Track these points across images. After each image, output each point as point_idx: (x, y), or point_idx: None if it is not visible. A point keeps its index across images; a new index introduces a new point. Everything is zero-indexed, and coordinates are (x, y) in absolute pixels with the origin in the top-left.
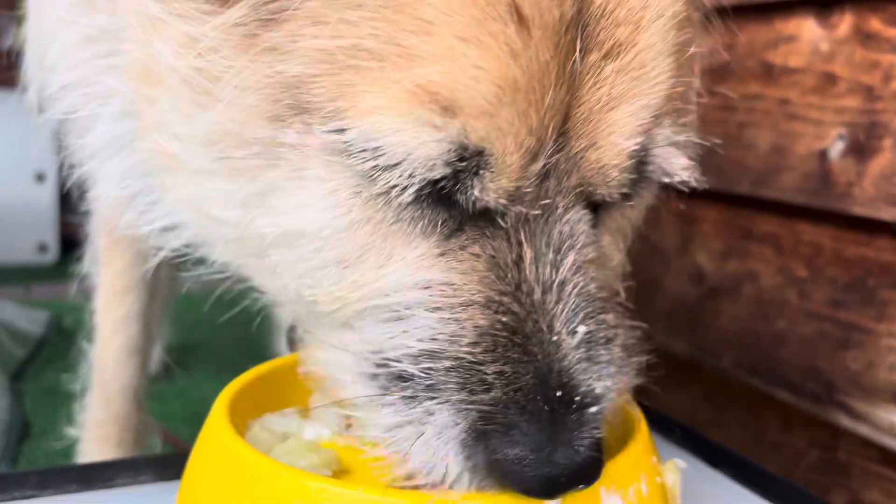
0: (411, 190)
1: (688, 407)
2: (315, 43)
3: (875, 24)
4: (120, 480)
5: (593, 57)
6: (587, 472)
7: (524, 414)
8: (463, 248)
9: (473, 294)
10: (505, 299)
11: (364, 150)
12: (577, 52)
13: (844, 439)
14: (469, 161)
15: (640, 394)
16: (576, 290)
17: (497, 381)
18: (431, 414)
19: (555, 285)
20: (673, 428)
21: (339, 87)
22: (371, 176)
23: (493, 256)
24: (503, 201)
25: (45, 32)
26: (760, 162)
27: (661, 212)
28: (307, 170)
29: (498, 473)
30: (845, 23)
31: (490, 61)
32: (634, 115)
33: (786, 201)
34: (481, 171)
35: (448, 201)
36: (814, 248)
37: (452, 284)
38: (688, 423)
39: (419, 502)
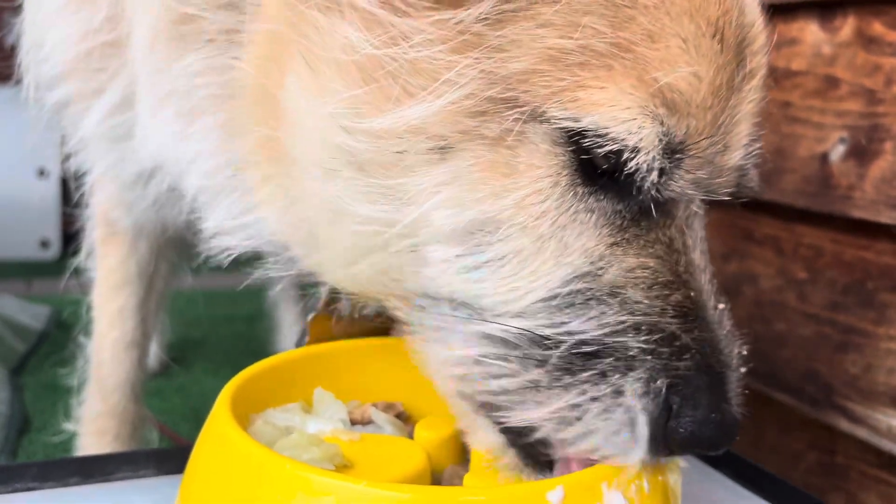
0: (651, 176)
1: None
2: (544, 42)
3: (877, 27)
4: (121, 474)
5: (743, 75)
6: (734, 431)
7: (708, 380)
8: (638, 236)
9: (664, 274)
10: (687, 277)
11: (599, 136)
12: (744, 70)
13: (843, 442)
14: (680, 153)
15: None
16: (710, 276)
17: (692, 347)
18: (622, 389)
19: (707, 269)
20: None
21: (567, 83)
22: (597, 163)
23: (670, 243)
24: (692, 191)
25: (41, 22)
26: (761, 164)
27: None
28: (509, 160)
29: (681, 439)
30: (847, 26)
31: (705, 70)
32: (752, 127)
33: (786, 204)
34: (681, 164)
35: (625, 193)
36: (814, 251)
37: (646, 266)
38: None
39: (423, 496)
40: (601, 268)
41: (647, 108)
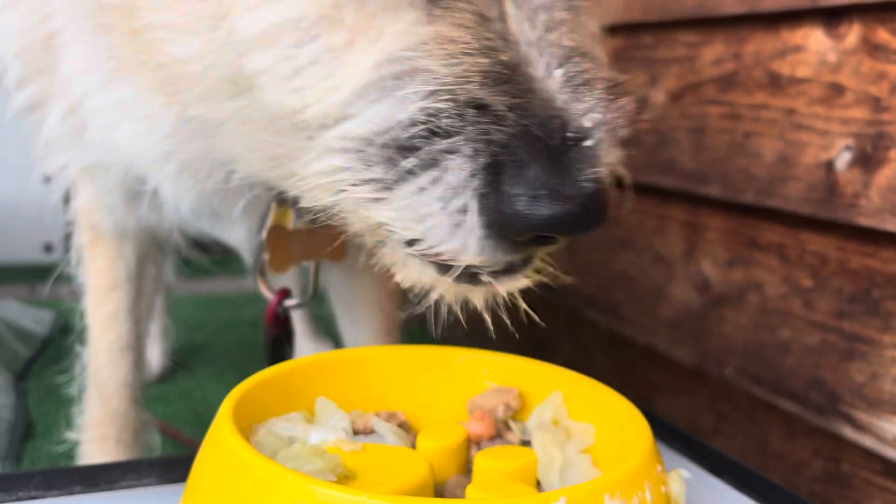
0: None
1: (691, 415)
2: None
3: (883, 35)
4: (124, 482)
5: None
6: (595, 206)
7: (536, 148)
8: (449, 9)
9: (469, 42)
10: (499, 44)
11: None
12: None
13: (848, 450)
14: None
15: (645, 401)
16: (561, 41)
17: (510, 114)
18: (446, 165)
19: (542, 37)
20: (676, 436)
21: None
22: None
23: (480, 12)
24: None
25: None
26: (766, 171)
27: (666, 220)
28: None
29: (515, 220)
30: (853, 33)
31: None
32: None
33: (791, 211)
34: None
35: None
36: (819, 259)
37: (449, 37)
38: (691, 431)
39: None
40: (410, 48)
41: None
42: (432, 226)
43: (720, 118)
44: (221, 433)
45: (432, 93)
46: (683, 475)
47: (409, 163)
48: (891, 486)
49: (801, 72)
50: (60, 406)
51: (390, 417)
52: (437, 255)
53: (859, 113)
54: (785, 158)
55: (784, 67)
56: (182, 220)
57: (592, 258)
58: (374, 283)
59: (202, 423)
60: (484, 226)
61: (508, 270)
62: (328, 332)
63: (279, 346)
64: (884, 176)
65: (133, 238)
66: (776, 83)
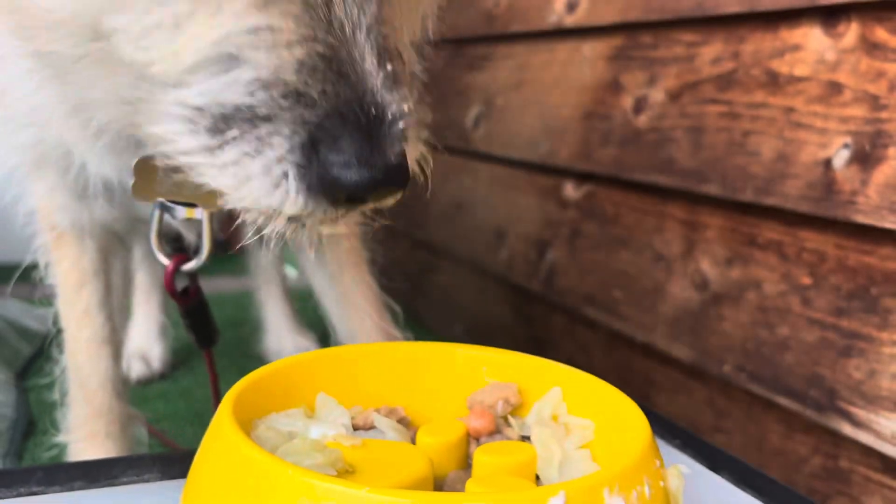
0: None
1: (690, 412)
2: None
3: (881, 33)
4: (125, 478)
5: None
6: (397, 173)
7: (346, 126)
8: None
9: (290, 34)
10: (319, 33)
11: None
12: None
13: (846, 447)
14: None
15: (644, 398)
16: (379, 36)
17: (322, 99)
18: (267, 141)
19: (363, 25)
20: (675, 433)
21: None
22: None
23: (307, 2)
24: None
25: None
26: (765, 170)
27: (665, 218)
28: None
29: (328, 182)
30: (851, 32)
31: None
32: None
33: (790, 209)
34: None
35: None
36: (817, 256)
37: (272, 27)
38: (689, 428)
39: (424, 501)
40: (242, 32)
41: None
42: (256, 187)
43: (719, 117)
44: (222, 428)
45: (254, 81)
46: (682, 471)
47: (233, 134)
48: (889, 482)
49: (800, 70)
50: (61, 404)
51: (390, 413)
52: (262, 209)
53: (858, 111)
54: (783, 157)
55: (783, 66)
56: (119, 201)
57: (591, 256)
58: (358, 271)
59: (203, 422)
60: (302, 189)
61: (329, 220)
62: (312, 326)
63: (194, 317)
64: (882, 174)
65: (91, 234)
66: (775, 82)
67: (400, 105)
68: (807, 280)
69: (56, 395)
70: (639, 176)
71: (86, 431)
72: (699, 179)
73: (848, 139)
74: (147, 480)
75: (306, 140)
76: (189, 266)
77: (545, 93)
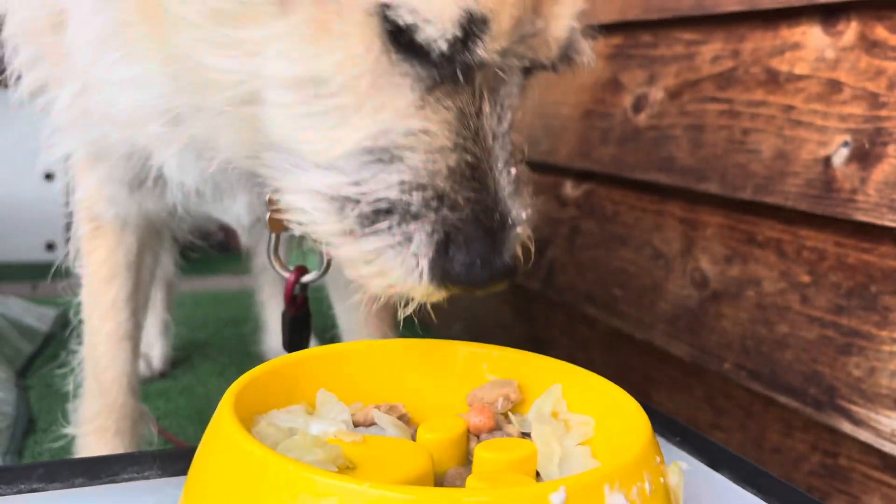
0: (441, 44)
1: (689, 410)
2: None
3: (880, 31)
4: (126, 475)
5: None
6: (510, 272)
7: (479, 230)
8: (439, 100)
9: (445, 140)
10: (468, 143)
11: (399, 7)
12: None
13: (846, 445)
14: (475, 25)
15: (643, 396)
16: (509, 142)
17: (464, 204)
18: (411, 237)
19: (500, 135)
20: (675, 430)
21: None
22: (401, 32)
23: (461, 109)
24: (501, 59)
25: (10, 9)
26: (764, 168)
27: (664, 216)
28: (332, 21)
29: (454, 276)
30: (851, 30)
31: None
32: (574, 4)
33: (789, 207)
34: (482, 35)
35: (432, 60)
36: (817, 254)
37: (429, 132)
38: (689, 425)
39: (426, 497)
40: (403, 129)
41: None
42: (392, 276)
43: (719, 115)
44: (223, 424)
45: (410, 181)
46: (682, 467)
47: (382, 226)
48: (888, 480)
49: (800, 69)
50: (62, 403)
51: (390, 410)
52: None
53: (857, 109)
54: (783, 155)
55: (782, 64)
56: (184, 201)
57: (591, 254)
58: None
59: (204, 419)
60: (431, 279)
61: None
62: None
63: (296, 328)
64: (881, 171)
65: (134, 227)
66: (774, 80)
67: (520, 211)
68: (806, 278)
69: (69, 386)
70: (638, 174)
71: (96, 425)
72: (699, 178)
73: (847, 137)
74: (148, 477)
75: (443, 238)
76: (308, 278)
77: (544, 91)
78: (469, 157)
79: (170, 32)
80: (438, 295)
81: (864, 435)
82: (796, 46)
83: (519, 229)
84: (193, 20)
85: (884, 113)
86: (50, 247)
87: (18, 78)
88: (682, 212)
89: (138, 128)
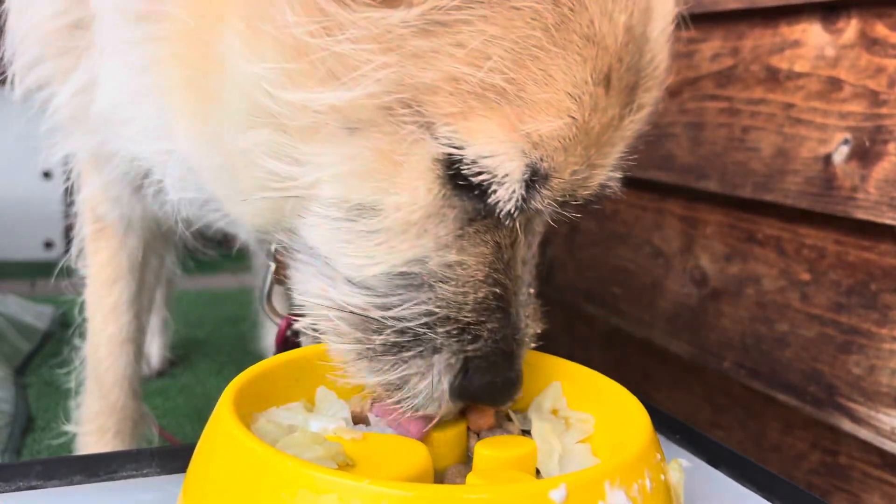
0: (509, 207)
1: (689, 408)
2: (454, 63)
3: (881, 29)
4: (124, 472)
5: (628, 111)
6: (517, 388)
7: (496, 357)
8: (478, 232)
9: (478, 272)
10: (499, 276)
11: (473, 163)
12: (630, 107)
13: (845, 443)
14: (537, 181)
15: (642, 394)
16: (530, 266)
17: (485, 335)
18: (433, 365)
19: (527, 261)
20: (675, 428)
21: (461, 108)
22: (468, 182)
23: (498, 242)
24: (548, 206)
25: (18, 7)
26: (764, 166)
27: (664, 214)
28: (397, 155)
29: (473, 395)
30: (851, 28)
31: (582, 113)
32: (621, 150)
33: (789, 205)
34: (542, 190)
35: (480, 199)
36: (817, 252)
37: (464, 264)
38: (688, 423)
39: (427, 493)
40: (440, 261)
41: (519, 147)
42: (415, 401)
43: (718, 113)
44: (222, 421)
45: (435, 313)
46: (683, 465)
47: (404, 356)
48: (888, 477)
49: (800, 66)
50: (60, 400)
51: None
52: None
53: (857, 107)
54: (783, 153)
55: (782, 62)
56: (187, 209)
57: (590, 253)
58: None
59: (202, 418)
60: (451, 399)
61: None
62: None
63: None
64: (881, 169)
65: (138, 229)
66: (774, 78)
67: (528, 328)
68: (806, 276)
69: (72, 384)
70: (638, 172)
71: (96, 426)
72: (698, 175)
73: (847, 135)
74: (146, 475)
75: (463, 365)
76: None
77: None
78: (498, 290)
79: (217, 117)
80: (458, 407)
81: (863, 433)
82: (796, 44)
83: (527, 342)
84: (253, 123)
85: (884, 111)
86: (48, 245)
87: (21, 75)
88: (681, 210)
89: (143, 151)
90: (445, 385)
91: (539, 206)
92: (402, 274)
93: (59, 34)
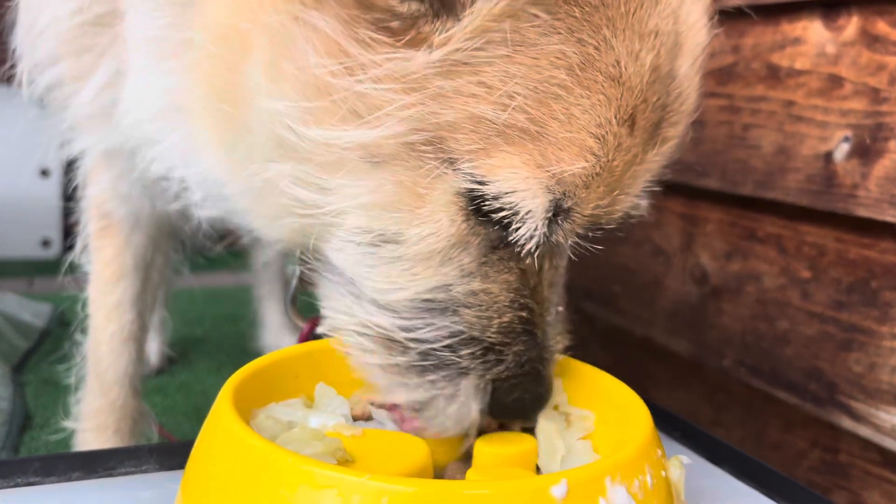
0: (531, 244)
1: (689, 406)
2: (477, 104)
3: (881, 26)
4: (123, 469)
5: (651, 146)
6: (543, 405)
7: (524, 377)
8: (501, 259)
9: (502, 297)
10: (526, 300)
11: (496, 200)
12: (653, 142)
13: (846, 441)
14: (560, 216)
15: (642, 392)
16: (558, 287)
17: (510, 357)
18: (459, 388)
19: (554, 285)
20: (676, 424)
21: (484, 147)
22: (497, 226)
23: (523, 270)
24: (572, 237)
25: (35, 4)
26: (765, 163)
27: (664, 212)
28: (420, 188)
29: (502, 412)
30: (852, 25)
31: (605, 152)
32: (646, 180)
33: (790, 202)
34: (564, 223)
35: (503, 229)
36: (817, 250)
37: (489, 291)
38: (689, 421)
39: (427, 489)
40: (465, 290)
41: (543, 184)
42: (444, 423)
43: (719, 110)
44: (221, 417)
45: (461, 335)
46: (683, 461)
47: (430, 378)
48: (888, 475)
49: (800, 64)
50: (58, 398)
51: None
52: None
53: (858, 104)
54: (783, 150)
55: (783, 59)
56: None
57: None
58: None
59: (201, 416)
60: (478, 419)
61: None
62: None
63: None
64: (882, 167)
65: (145, 226)
66: (775, 75)
67: (557, 346)
68: (806, 273)
69: (72, 380)
70: None
71: (96, 423)
72: (699, 173)
73: (848, 132)
74: (145, 471)
75: (490, 385)
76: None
77: None
78: (524, 314)
79: (244, 146)
80: (495, 424)
81: (864, 431)
82: (797, 41)
83: (556, 359)
84: (278, 154)
85: (885, 108)
86: (46, 243)
87: (34, 73)
88: (682, 208)
89: (167, 154)
90: (475, 411)
91: (561, 241)
92: (426, 300)
93: (78, 32)
